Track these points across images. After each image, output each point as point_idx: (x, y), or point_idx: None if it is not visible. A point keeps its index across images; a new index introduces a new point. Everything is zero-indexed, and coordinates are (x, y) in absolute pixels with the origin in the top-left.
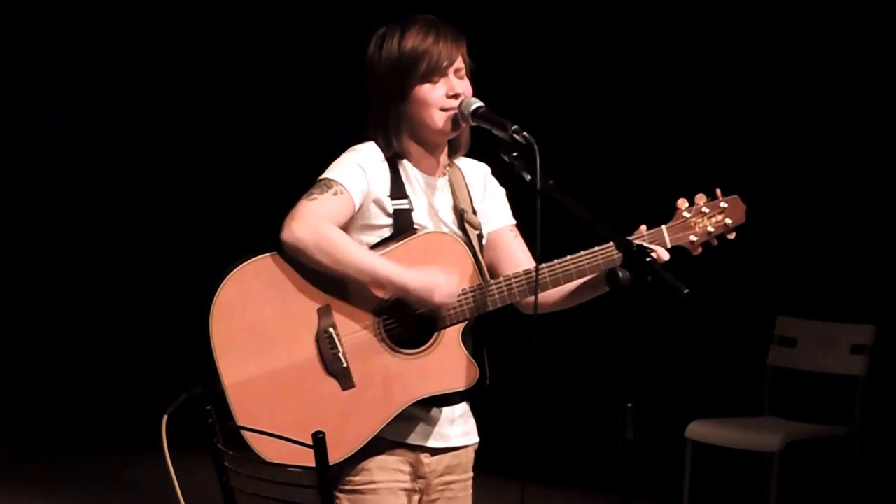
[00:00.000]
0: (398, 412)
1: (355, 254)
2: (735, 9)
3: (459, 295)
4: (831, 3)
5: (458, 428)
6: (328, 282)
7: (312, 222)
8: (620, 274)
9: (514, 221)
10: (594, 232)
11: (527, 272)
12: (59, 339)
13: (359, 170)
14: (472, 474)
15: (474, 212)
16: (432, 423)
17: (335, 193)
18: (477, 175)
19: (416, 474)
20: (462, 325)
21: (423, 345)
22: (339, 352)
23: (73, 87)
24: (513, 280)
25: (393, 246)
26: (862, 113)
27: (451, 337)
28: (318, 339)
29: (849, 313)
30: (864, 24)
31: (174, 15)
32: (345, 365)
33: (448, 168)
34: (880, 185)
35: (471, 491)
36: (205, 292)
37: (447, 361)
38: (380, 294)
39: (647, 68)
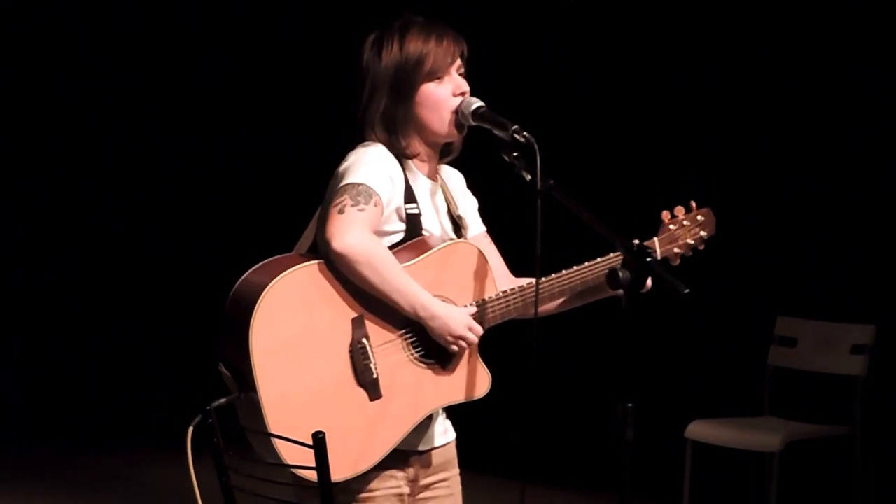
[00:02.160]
0: (418, 422)
1: (399, 278)
2: (731, 12)
3: (480, 305)
4: (827, 4)
5: (440, 426)
6: (362, 292)
7: (364, 236)
8: (621, 274)
9: (485, 229)
10: (595, 232)
11: (531, 285)
12: (62, 340)
13: (388, 181)
14: (458, 470)
15: (461, 216)
16: (423, 426)
17: (376, 204)
18: (457, 181)
19: (408, 478)
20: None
21: (445, 356)
22: (371, 363)
23: (74, 89)
24: (527, 292)
25: (418, 259)
26: (862, 113)
27: (471, 348)
28: (351, 351)
29: (849, 313)
30: (863, 22)
31: (179, 15)
32: (375, 376)
33: (437, 173)
34: (880, 184)
35: (460, 487)
36: (206, 293)
37: (466, 371)
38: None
39: (647, 67)
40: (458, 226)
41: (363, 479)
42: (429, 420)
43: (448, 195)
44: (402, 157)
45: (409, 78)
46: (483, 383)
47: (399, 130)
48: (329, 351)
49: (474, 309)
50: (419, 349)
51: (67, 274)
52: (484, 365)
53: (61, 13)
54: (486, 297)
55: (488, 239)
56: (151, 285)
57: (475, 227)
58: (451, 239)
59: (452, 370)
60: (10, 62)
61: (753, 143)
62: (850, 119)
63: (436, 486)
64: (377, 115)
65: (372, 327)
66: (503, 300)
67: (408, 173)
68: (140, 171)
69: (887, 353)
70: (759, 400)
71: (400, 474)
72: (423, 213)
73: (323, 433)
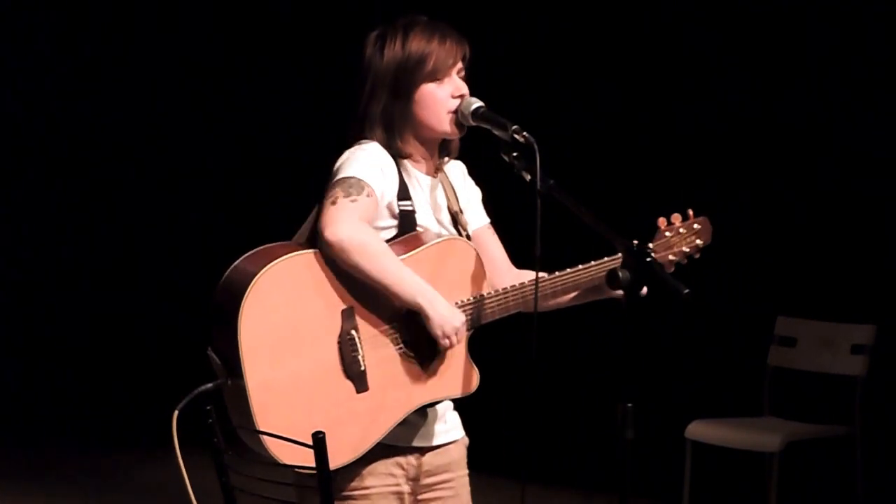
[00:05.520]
0: (404, 416)
1: (395, 267)
2: (731, 12)
3: (474, 303)
4: (827, 8)
5: (442, 425)
6: (353, 284)
7: (356, 225)
8: (620, 274)
9: (488, 220)
10: (595, 232)
11: (532, 282)
12: (64, 337)
13: (380, 172)
14: (467, 471)
15: (460, 211)
16: (420, 424)
17: (368, 195)
18: (458, 173)
19: (408, 476)
20: (469, 332)
21: (432, 350)
22: (359, 354)
23: (71, 86)
24: (527, 289)
25: (411, 253)
26: (862, 112)
27: (460, 345)
28: (340, 342)
29: (849, 313)
30: (861, 21)
31: (178, 14)
32: (362, 368)
33: (438, 169)
34: (880, 184)
35: (468, 488)
36: (209, 290)
37: (454, 368)
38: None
39: (647, 66)
40: (457, 221)
41: (358, 476)
42: (426, 417)
43: (448, 190)
44: (398, 155)
45: (410, 77)
46: (472, 380)
47: (396, 129)
48: (317, 341)
49: (468, 311)
50: (406, 342)
51: (67, 273)
52: (472, 362)
53: (60, 11)
54: (484, 294)
55: (491, 231)
56: (151, 285)
57: (477, 219)
58: (448, 235)
59: (440, 365)
60: (9, 60)
61: (753, 143)
62: (850, 119)
63: (438, 486)
64: (376, 112)
65: (362, 319)
66: (498, 298)
67: (403, 171)
68: (139, 166)
69: (887, 353)
70: (759, 400)
71: (398, 472)
72: (417, 209)
73: (323, 433)
